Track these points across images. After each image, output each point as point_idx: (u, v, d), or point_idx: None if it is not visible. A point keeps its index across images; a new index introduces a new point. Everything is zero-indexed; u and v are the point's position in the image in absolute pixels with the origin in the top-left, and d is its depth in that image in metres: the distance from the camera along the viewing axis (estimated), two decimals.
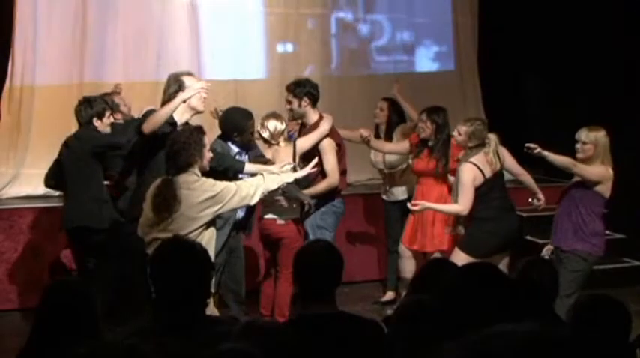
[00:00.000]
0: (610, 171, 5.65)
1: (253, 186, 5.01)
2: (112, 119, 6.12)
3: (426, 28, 9.34)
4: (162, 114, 5.25)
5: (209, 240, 4.82)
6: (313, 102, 6.26)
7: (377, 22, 9.27)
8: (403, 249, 6.63)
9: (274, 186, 5.17)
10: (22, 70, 8.02)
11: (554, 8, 8.73)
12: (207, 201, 4.80)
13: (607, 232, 6.10)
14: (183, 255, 3.10)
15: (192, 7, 8.52)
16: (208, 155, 4.97)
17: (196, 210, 4.79)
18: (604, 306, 3.14)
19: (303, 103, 6.22)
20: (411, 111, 7.23)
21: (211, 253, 4.83)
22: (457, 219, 6.03)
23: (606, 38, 8.30)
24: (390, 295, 7.23)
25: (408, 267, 6.56)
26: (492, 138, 6.00)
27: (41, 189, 7.92)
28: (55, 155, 7.92)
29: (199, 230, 4.80)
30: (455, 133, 6.04)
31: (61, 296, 3.08)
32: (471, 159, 5.91)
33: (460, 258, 5.63)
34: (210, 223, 4.89)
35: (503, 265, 5.81)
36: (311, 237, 6.08)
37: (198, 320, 3.05)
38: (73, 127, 7.95)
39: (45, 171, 7.93)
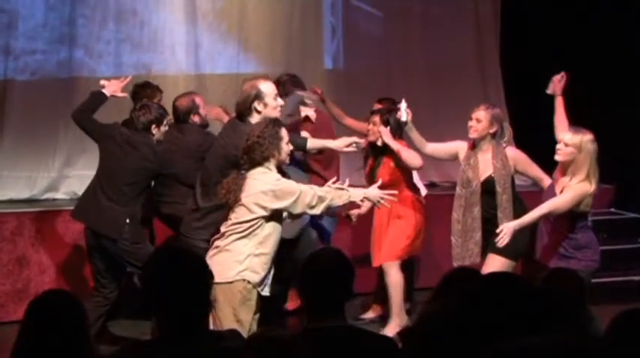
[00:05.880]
0: (592, 187, 5.49)
1: (317, 196, 5.04)
2: (167, 127, 6.26)
3: (443, 18, 9.32)
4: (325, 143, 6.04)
5: (268, 235, 5.00)
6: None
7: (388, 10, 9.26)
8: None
9: (339, 203, 5.19)
10: (5, 63, 8.05)
11: None
12: (266, 193, 4.94)
13: None
14: (177, 264, 3.06)
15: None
16: (287, 148, 5.09)
17: (253, 199, 4.93)
18: None
19: None
20: (345, 119, 7.24)
21: (269, 249, 5.03)
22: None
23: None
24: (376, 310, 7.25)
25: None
26: (507, 126, 6.11)
27: (26, 193, 7.97)
28: (40, 158, 8.01)
29: (257, 221, 4.95)
30: (473, 123, 6.00)
31: (48, 308, 3.08)
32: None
33: (499, 263, 5.69)
34: (274, 218, 5.01)
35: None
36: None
37: (197, 333, 3.03)
38: (61, 127, 8.04)
39: (31, 173, 8.00)
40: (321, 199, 5.05)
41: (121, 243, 5.99)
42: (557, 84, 5.99)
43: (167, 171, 6.16)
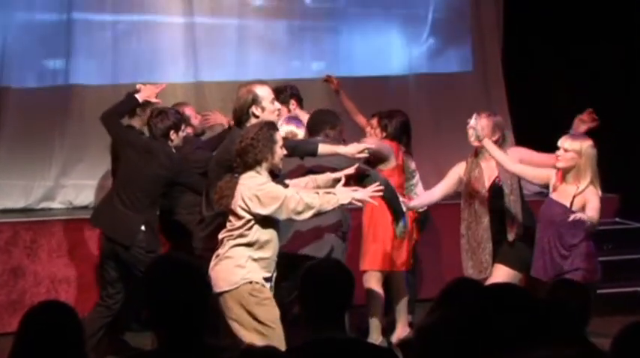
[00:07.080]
0: (598, 191, 5.53)
1: (303, 202, 4.98)
2: (185, 133, 6.28)
3: (442, 23, 9.30)
4: (336, 149, 5.72)
5: (266, 241, 5.01)
6: (300, 104, 6.62)
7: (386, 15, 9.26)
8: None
9: (329, 208, 5.11)
10: (0, 71, 8.04)
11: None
12: (251, 199, 4.93)
13: None
14: (174, 275, 3.05)
15: (189, 6, 8.55)
16: (281, 152, 5.07)
17: (240, 204, 4.94)
18: None
19: (292, 107, 6.55)
20: (357, 115, 7.19)
21: (269, 253, 5.04)
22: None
23: None
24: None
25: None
26: (509, 134, 6.32)
27: (22, 202, 7.96)
28: (36, 167, 8.01)
29: (249, 226, 4.96)
30: (472, 132, 5.94)
31: (43, 320, 3.07)
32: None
33: (505, 274, 5.69)
34: (269, 223, 5.00)
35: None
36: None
37: (195, 345, 3.02)
38: (57, 136, 8.03)
39: (27, 182, 8.00)
40: (308, 205, 5.00)
41: (135, 250, 6.00)
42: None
43: (183, 179, 6.16)
